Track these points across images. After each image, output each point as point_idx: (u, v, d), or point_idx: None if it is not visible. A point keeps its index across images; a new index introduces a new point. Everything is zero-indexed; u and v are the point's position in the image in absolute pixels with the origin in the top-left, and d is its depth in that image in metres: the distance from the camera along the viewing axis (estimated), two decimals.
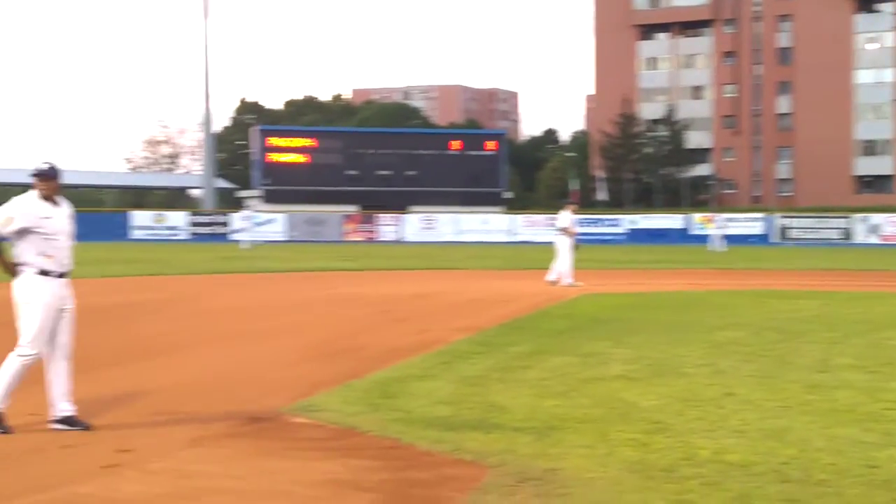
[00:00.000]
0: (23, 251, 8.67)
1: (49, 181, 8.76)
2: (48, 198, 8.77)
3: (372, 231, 73.05)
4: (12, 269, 8.69)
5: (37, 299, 8.60)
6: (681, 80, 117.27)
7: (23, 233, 8.61)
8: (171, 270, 33.23)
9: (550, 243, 28.05)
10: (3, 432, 8.47)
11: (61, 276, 8.76)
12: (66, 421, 8.70)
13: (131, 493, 6.67)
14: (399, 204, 77.24)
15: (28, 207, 8.65)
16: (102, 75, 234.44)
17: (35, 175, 8.74)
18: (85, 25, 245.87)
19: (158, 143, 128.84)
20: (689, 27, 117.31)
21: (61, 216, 8.82)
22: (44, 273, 8.64)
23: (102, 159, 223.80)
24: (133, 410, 9.62)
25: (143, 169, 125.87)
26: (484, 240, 69.05)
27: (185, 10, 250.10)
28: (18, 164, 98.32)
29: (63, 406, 8.73)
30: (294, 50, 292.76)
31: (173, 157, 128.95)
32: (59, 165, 8.95)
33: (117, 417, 9.23)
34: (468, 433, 8.16)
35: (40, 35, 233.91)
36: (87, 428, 8.68)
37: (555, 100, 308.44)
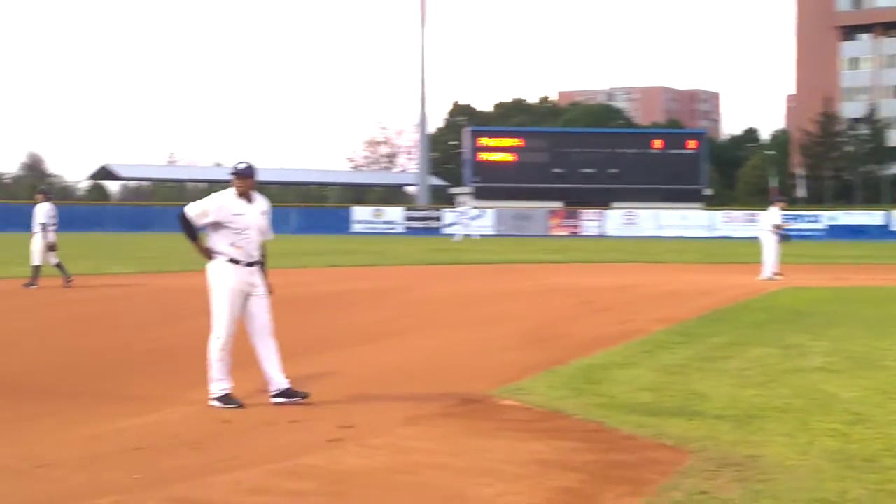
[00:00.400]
0: (216, 241, 9.04)
1: (245, 179, 9.08)
2: (244, 194, 9.08)
3: (575, 225, 72.76)
4: (208, 255, 9.07)
5: (224, 284, 8.97)
6: (883, 80, 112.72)
7: (216, 226, 9.00)
8: (387, 261, 33.87)
9: (751, 238, 27.39)
10: (236, 407, 8.81)
11: (249, 264, 9.07)
12: (284, 394, 9.02)
13: (353, 466, 6.81)
14: (602, 200, 76.69)
15: (223, 203, 9.01)
16: (328, 81, 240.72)
17: (233, 173, 9.10)
18: (314, 37, 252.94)
19: (378, 143, 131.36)
20: (893, 27, 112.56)
21: (253, 212, 9.10)
22: (233, 261, 8.99)
23: (327, 159, 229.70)
24: (354, 390, 9.84)
25: (363, 167, 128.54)
26: (683, 234, 67.91)
27: (403, 18, 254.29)
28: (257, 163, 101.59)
29: (278, 380, 9.05)
30: (503, 54, 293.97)
31: (391, 157, 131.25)
32: (256, 165, 9.27)
33: (339, 396, 9.46)
34: (670, 419, 8.04)
35: (272, 46, 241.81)
36: (305, 397, 9.01)
37: (755, 99, 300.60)
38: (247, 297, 9.03)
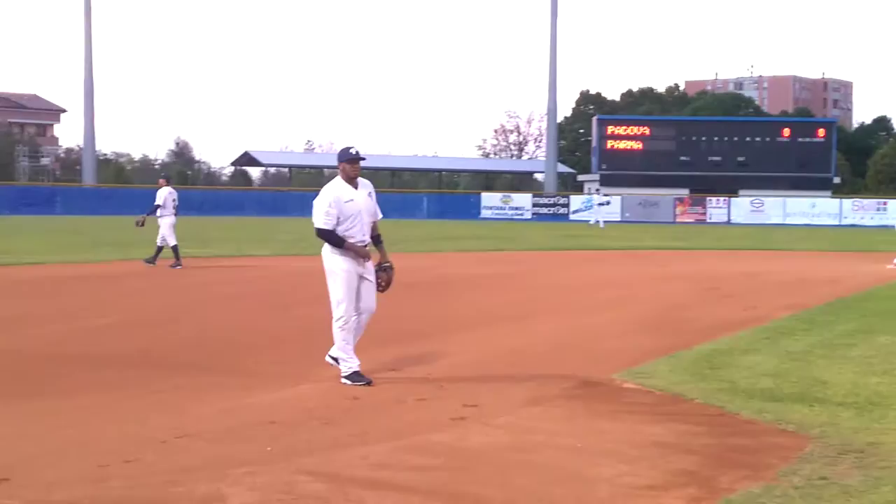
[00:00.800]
0: None
1: (357, 164, 9.19)
2: (351, 180, 9.16)
3: (702, 213, 71.62)
4: (362, 251, 9.16)
5: (339, 268, 9.09)
6: None
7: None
8: (515, 246, 33.85)
9: (881, 226, 26.60)
10: (365, 384, 8.93)
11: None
12: (337, 361, 9.28)
13: (477, 444, 6.85)
14: (728, 188, 75.34)
15: (335, 194, 9.10)
16: (459, 70, 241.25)
17: (347, 160, 9.16)
18: (445, 26, 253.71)
19: (507, 131, 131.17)
20: None
21: (361, 196, 9.20)
22: None
23: (458, 147, 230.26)
24: (479, 370, 9.89)
25: (492, 155, 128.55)
26: (811, 223, 66.25)
27: (534, 7, 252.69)
28: (382, 151, 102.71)
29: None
30: (632, 43, 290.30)
31: (520, 145, 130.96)
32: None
33: (464, 376, 9.51)
34: (791, 405, 7.86)
35: (405, 35, 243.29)
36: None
37: (888, 88, 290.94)
38: (360, 278, 9.17)
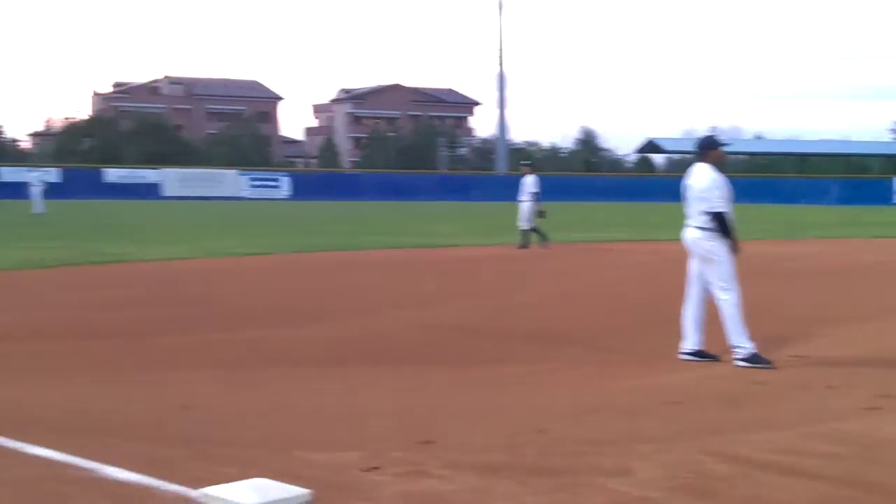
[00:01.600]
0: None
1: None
2: (720, 167, 9.04)
3: None
4: (738, 246, 8.99)
5: (725, 253, 8.91)
6: None
7: None
8: None
9: None
10: (766, 366, 8.65)
11: None
12: (696, 354, 9.08)
13: (891, 435, 6.46)
14: None
15: (723, 179, 8.95)
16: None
17: (722, 147, 9.19)
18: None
19: None
20: None
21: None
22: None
23: (870, 131, 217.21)
24: (893, 359, 9.33)
25: None
26: None
27: None
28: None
29: (696, 340, 9.12)
30: None
31: None
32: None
33: (878, 364, 9.02)
34: None
35: (801, 16, 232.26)
36: (716, 358, 8.97)
37: None
38: None
